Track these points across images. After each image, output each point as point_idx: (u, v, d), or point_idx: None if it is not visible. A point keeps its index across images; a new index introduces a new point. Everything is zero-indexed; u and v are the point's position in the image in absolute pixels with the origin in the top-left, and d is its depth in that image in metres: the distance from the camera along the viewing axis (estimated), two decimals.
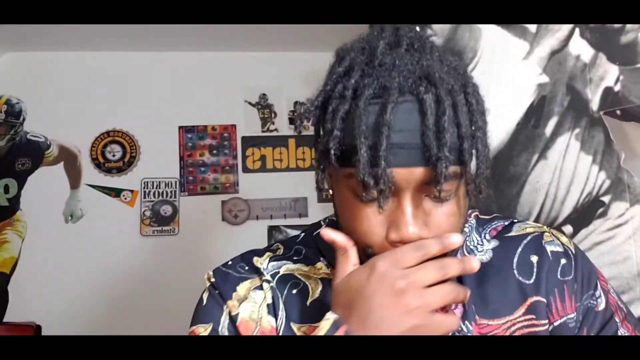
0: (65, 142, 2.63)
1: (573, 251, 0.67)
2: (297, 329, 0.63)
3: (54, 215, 2.56)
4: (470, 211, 0.71)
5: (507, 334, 0.60)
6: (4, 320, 2.43)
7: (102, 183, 2.63)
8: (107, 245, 2.54)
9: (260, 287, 0.67)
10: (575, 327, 0.61)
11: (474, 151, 0.56)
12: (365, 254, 0.57)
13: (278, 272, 0.69)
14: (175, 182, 2.67)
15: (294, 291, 0.66)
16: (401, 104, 0.53)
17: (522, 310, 0.61)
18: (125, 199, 2.63)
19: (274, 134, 2.77)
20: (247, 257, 0.71)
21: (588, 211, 0.98)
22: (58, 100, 2.63)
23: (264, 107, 2.78)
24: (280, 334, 0.63)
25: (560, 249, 0.66)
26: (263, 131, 2.76)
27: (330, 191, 0.63)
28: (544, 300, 0.62)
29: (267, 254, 0.72)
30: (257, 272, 0.69)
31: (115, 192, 2.63)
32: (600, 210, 0.96)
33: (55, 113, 2.61)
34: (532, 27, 1.10)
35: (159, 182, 2.65)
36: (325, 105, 0.58)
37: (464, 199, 0.58)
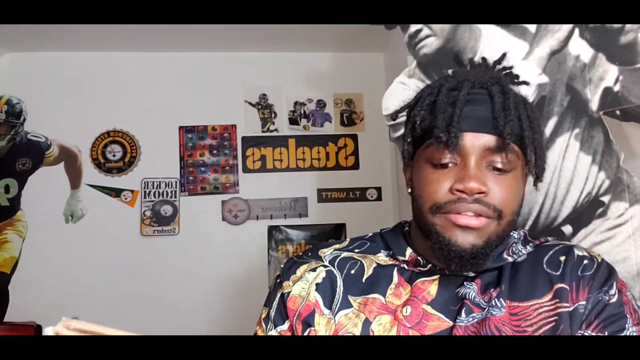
0: (65, 142, 2.62)
1: (599, 260, 0.73)
2: (353, 301, 0.76)
3: (55, 215, 2.56)
4: (521, 229, 0.82)
5: (535, 314, 0.69)
6: (5, 320, 2.43)
7: (102, 183, 2.63)
8: (107, 245, 2.54)
9: (315, 270, 0.80)
10: (583, 313, 0.68)
11: (533, 147, 0.69)
12: (432, 212, 0.69)
13: (339, 256, 0.82)
14: (176, 182, 2.67)
15: (352, 271, 0.79)
16: (474, 94, 0.69)
17: (549, 295, 0.70)
18: (126, 199, 2.63)
19: (274, 134, 2.76)
20: (315, 248, 0.86)
21: (587, 211, 0.98)
22: (58, 100, 2.63)
23: (264, 107, 2.77)
24: (338, 305, 0.76)
25: (587, 254, 0.74)
26: (263, 131, 2.76)
27: (409, 190, 0.77)
28: (567, 287, 0.70)
29: (334, 246, 0.85)
30: (318, 258, 0.83)
31: (116, 192, 2.63)
32: (600, 210, 0.96)
33: (55, 113, 2.61)
34: (532, 28, 1.10)
35: (159, 182, 2.65)
36: (414, 106, 0.75)
37: (522, 181, 0.72)
